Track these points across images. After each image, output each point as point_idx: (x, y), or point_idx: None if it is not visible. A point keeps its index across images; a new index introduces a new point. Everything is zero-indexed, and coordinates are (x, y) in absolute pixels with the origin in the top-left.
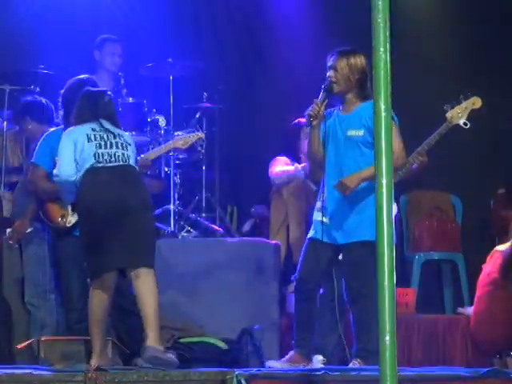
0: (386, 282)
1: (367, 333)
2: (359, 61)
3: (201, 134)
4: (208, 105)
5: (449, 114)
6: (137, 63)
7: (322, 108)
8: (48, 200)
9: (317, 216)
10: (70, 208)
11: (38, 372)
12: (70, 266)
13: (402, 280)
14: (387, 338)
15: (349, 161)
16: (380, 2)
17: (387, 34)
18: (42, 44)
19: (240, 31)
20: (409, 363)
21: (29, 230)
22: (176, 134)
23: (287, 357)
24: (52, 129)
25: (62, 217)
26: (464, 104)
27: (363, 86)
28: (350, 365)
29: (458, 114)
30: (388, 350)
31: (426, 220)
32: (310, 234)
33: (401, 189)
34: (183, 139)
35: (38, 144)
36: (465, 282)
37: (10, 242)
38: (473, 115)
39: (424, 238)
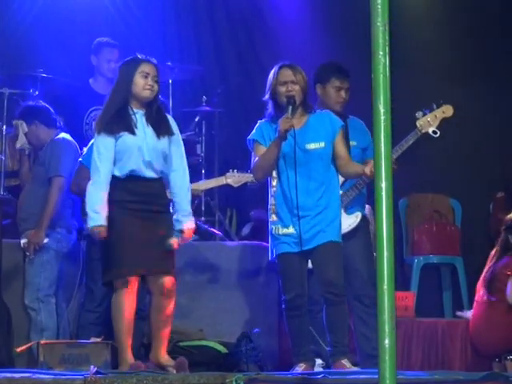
0: (386, 286)
1: (344, 328)
2: (305, 74)
3: (251, 177)
4: (207, 108)
5: (419, 122)
6: None
7: (292, 122)
8: None
9: (279, 230)
10: None
11: (37, 375)
12: (98, 268)
13: (402, 283)
14: (386, 341)
15: (313, 172)
16: (379, 6)
17: (386, 37)
18: (41, 47)
19: (239, 35)
20: (408, 367)
21: (46, 241)
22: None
23: (301, 370)
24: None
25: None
26: (435, 112)
27: (308, 98)
28: (344, 363)
29: (429, 122)
30: (387, 353)
31: (425, 223)
32: (279, 249)
33: (400, 192)
34: (236, 178)
35: (89, 145)
36: (464, 286)
37: (27, 253)
38: (444, 123)
39: (423, 242)
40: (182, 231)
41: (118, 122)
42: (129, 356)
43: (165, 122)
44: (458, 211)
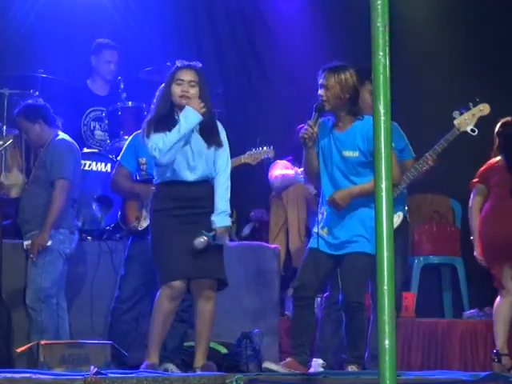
0: (386, 286)
1: (362, 341)
2: (350, 77)
3: (270, 151)
4: None
5: (457, 121)
6: (136, 67)
7: (316, 128)
8: (128, 199)
9: (315, 228)
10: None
11: (37, 376)
12: (132, 266)
13: (402, 284)
14: (387, 341)
15: (344, 179)
16: (379, 6)
17: (386, 37)
18: (42, 48)
19: (239, 35)
20: (408, 367)
21: (49, 243)
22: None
23: (285, 362)
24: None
25: (136, 219)
26: (472, 111)
27: (355, 102)
28: (349, 369)
29: (466, 121)
30: (387, 353)
31: (425, 224)
32: (310, 244)
33: None
34: (254, 155)
35: (126, 144)
36: (464, 286)
37: (31, 256)
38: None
39: (423, 242)
40: (214, 230)
41: (164, 124)
42: (152, 355)
43: (215, 131)
44: (458, 212)
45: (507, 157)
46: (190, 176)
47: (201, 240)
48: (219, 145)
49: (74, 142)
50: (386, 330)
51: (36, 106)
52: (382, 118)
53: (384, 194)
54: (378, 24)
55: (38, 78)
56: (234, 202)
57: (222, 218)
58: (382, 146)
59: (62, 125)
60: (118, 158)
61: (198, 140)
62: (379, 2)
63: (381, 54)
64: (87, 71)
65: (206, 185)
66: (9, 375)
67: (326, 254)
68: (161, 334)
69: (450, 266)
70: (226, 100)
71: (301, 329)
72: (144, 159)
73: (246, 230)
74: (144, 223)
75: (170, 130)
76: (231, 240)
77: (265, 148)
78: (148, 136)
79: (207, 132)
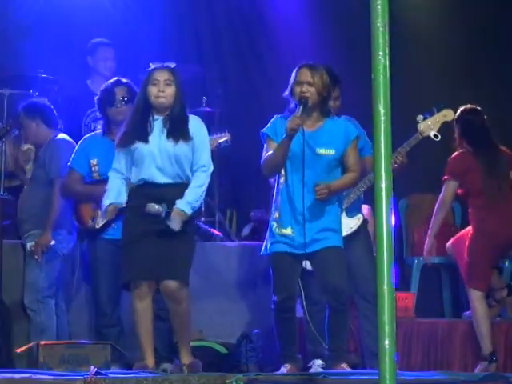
0: (386, 286)
1: (346, 335)
2: (327, 76)
3: (226, 135)
4: (207, 109)
5: (420, 126)
6: (136, 67)
7: (301, 122)
8: (81, 202)
9: (278, 229)
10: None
11: (37, 376)
12: (99, 268)
13: (402, 284)
14: (387, 341)
15: (319, 176)
16: (379, 7)
17: (386, 38)
18: (41, 48)
19: (239, 35)
20: (408, 367)
21: (52, 243)
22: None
23: (285, 370)
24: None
25: (92, 218)
26: (436, 116)
27: (327, 102)
28: (344, 367)
29: (429, 126)
30: (387, 353)
31: (425, 224)
32: (274, 247)
33: (400, 193)
34: (210, 141)
35: (76, 148)
36: (464, 286)
37: (36, 256)
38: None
39: (423, 242)
40: (171, 210)
41: (132, 134)
42: (145, 356)
43: (182, 126)
44: (458, 212)
45: (471, 140)
46: (161, 178)
47: (154, 206)
48: (186, 139)
49: (73, 141)
50: (386, 329)
51: (37, 104)
52: (382, 118)
53: (384, 193)
54: (378, 24)
55: (37, 78)
56: (233, 202)
57: (184, 204)
58: (382, 146)
59: (63, 125)
60: (68, 164)
61: (164, 139)
62: (379, 2)
63: (381, 54)
64: (87, 71)
65: (179, 187)
66: (9, 375)
67: (292, 255)
68: (144, 333)
69: (450, 266)
70: (226, 100)
71: (289, 339)
72: (95, 160)
73: (246, 230)
74: (101, 221)
75: (140, 139)
76: (231, 240)
77: (220, 135)
78: (117, 147)
79: (173, 128)
